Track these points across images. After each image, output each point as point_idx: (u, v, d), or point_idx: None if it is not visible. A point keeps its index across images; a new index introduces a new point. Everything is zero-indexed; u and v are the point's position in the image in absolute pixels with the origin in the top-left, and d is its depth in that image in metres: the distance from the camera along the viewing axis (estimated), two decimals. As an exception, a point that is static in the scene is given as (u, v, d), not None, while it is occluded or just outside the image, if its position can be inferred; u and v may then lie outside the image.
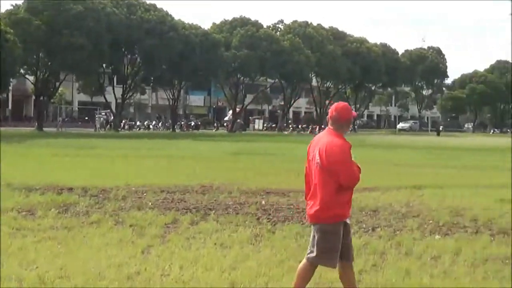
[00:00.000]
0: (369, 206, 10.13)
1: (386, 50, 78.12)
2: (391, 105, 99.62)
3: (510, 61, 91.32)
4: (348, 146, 4.64)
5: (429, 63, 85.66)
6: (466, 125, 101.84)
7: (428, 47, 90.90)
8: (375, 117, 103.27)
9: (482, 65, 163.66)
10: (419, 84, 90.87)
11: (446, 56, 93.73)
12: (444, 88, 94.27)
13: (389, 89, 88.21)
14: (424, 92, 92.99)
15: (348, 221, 4.76)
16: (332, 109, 4.78)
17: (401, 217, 9.34)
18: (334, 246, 4.64)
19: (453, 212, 9.80)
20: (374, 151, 28.13)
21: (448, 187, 13.27)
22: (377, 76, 73.95)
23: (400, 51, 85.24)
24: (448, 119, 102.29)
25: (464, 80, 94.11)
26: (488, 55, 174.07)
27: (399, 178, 15.16)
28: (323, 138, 4.74)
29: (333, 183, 4.59)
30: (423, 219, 9.19)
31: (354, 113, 4.87)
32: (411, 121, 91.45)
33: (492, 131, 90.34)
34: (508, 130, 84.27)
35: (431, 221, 8.98)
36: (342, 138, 4.68)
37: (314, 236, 4.73)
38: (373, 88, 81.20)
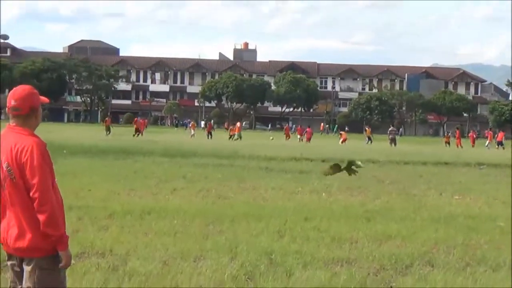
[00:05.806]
0: None
1: None
2: None
3: None
4: (45, 145, 4.60)
5: None
6: None
7: None
8: None
9: None
10: None
11: None
12: None
13: None
14: None
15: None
16: (9, 98, 4.65)
17: None
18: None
19: None
20: None
21: None
22: None
23: None
24: None
25: None
26: None
27: None
28: (9, 139, 4.61)
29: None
30: None
31: (43, 98, 4.83)
32: None
33: None
34: None
35: None
36: (35, 135, 4.64)
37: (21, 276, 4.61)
38: None
